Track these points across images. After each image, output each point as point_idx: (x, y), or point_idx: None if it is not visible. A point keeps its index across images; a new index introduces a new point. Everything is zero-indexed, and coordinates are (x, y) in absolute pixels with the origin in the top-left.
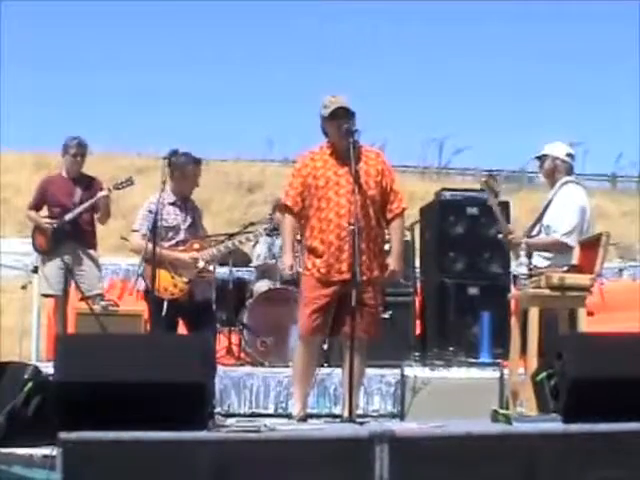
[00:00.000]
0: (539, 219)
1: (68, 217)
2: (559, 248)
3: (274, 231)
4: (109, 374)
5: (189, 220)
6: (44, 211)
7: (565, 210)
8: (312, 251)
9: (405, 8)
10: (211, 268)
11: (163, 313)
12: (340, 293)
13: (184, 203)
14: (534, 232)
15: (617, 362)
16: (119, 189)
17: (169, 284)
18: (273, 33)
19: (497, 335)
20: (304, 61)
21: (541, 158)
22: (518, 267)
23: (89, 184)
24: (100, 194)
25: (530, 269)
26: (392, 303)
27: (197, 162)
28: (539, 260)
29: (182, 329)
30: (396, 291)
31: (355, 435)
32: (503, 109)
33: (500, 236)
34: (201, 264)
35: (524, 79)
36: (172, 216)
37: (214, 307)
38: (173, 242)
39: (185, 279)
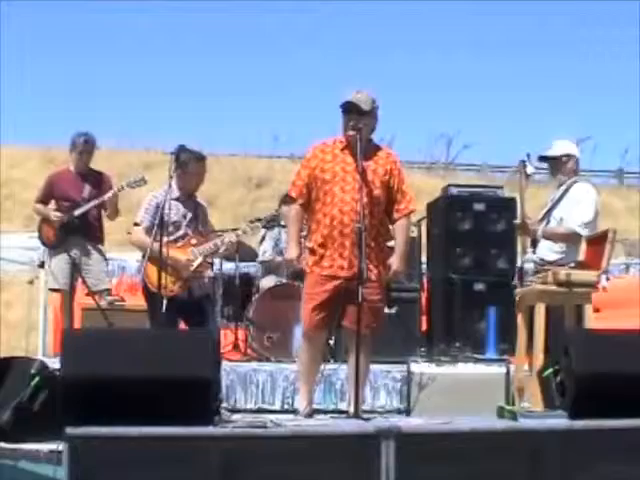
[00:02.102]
0: (548, 212)
1: (77, 212)
2: (573, 239)
3: (272, 222)
4: (115, 369)
5: (190, 216)
6: (51, 206)
7: (581, 205)
8: (314, 246)
9: (412, 4)
10: (211, 262)
11: (163, 310)
12: (341, 289)
13: (188, 199)
14: (543, 224)
15: (623, 359)
16: (132, 187)
17: (168, 282)
18: (280, 29)
19: (503, 331)
20: (310, 57)
21: (556, 157)
22: (525, 263)
23: (98, 179)
24: (108, 194)
25: (539, 264)
26: (398, 299)
27: (201, 159)
28: (548, 254)
29: (182, 326)
30: (402, 287)
31: (361, 431)
32: (510, 105)
33: (517, 221)
34: (198, 261)
35: (530, 75)
36: (174, 211)
37: (220, 302)
38: (172, 238)
39: (183, 277)
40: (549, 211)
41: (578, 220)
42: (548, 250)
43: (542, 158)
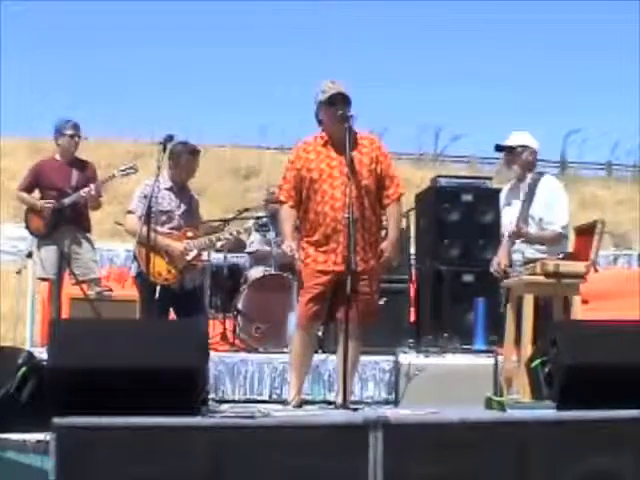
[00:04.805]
0: (524, 210)
1: (68, 201)
2: (558, 240)
3: (264, 227)
4: (103, 359)
5: (183, 207)
6: (36, 194)
7: (558, 203)
8: (310, 243)
9: None
10: (203, 256)
11: (156, 297)
12: (335, 282)
13: (180, 190)
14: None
15: (611, 349)
16: (124, 175)
17: (163, 269)
18: (268, 19)
19: (491, 322)
20: (298, 47)
21: (512, 148)
22: (514, 254)
23: (84, 168)
24: (85, 190)
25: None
26: (387, 290)
27: (194, 152)
28: (533, 252)
29: (172, 316)
30: (391, 278)
31: (349, 421)
32: (500, 96)
33: (513, 229)
34: (192, 254)
35: (521, 67)
36: (167, 201)
37: (208, 293)
38: (166, 228)
39: (178, 266)
40: (525, 209)
41: (559, 221)
42: (533, 249)
43: (498, 148)
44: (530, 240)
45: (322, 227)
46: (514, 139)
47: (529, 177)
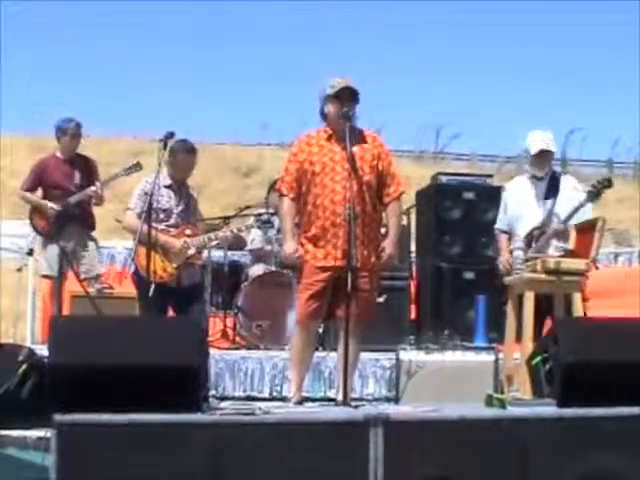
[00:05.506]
0: (550, 211)
1: (74, 200)
2: None
3: (266, 224)
4: (103, 356)
5: (182, 205)
6: (39, 193)
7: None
8: (308, 238)
9: None
10: (203, 254)
11: (150, 296)
12: (335, 278)
13: (179, 187)
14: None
15: (612, 347)
16: (128, 174)
17: (159, 268)
18: (268, 17)
19: (492, 319)
20: (298, 44)
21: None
22: (515, 251)
23: (86, 165)
24: (92, 189)
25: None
26: (387, 287)
27: (191, 151)
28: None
29: (171, 314)
30: (391, 275)
31: (350, 418)
32: (500, 94)
33: (560, 227)
34: (191, 251)
35: (522, 65)
36: (165, 198)
37: (209, 290)
38: (163, 225)
39: (174, 264)
40: (551, 207)
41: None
42: (557, 246)
43: (542, 152)
44: (567, 239)
45: (320, 220)
46: (548, 139)
47: (548, 176)
